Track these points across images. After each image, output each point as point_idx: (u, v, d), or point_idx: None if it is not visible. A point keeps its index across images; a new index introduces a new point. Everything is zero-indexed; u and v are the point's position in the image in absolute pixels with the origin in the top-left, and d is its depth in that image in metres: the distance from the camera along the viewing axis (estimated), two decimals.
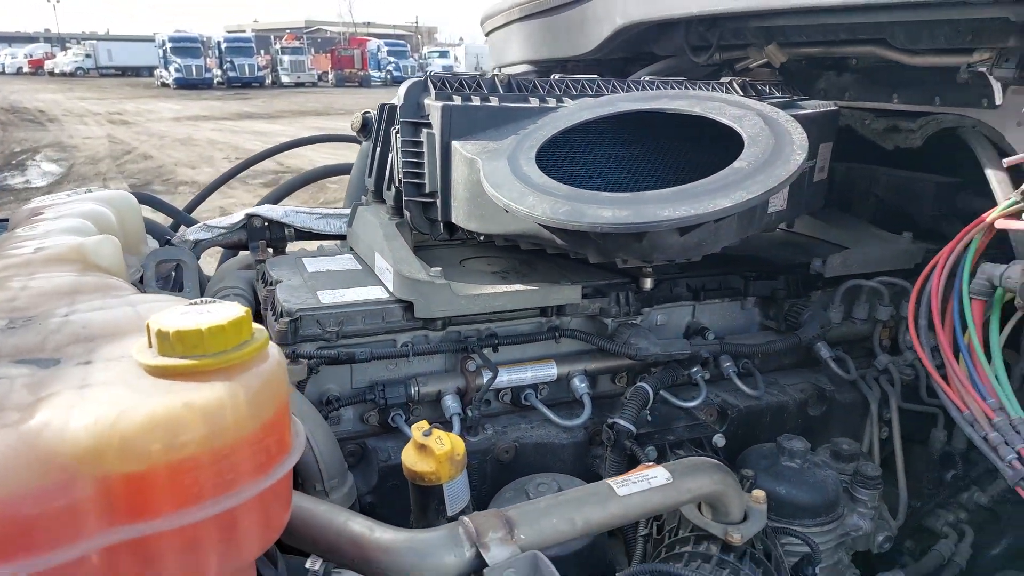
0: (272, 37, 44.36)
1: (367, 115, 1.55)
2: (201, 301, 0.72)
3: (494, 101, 1.26)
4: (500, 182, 1.09)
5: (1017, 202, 1.19)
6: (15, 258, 0.99)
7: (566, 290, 1.29)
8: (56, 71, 43.47)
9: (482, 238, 1.30)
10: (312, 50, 41.87)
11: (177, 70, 32.56)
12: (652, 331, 1.41)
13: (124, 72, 44.79)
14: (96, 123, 16.34)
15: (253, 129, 15.45)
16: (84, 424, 0.58)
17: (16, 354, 0.71)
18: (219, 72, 35.10)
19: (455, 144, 1.21)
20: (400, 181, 1.30)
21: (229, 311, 0.68)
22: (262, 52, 38.86)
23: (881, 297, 1.54)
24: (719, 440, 1.32)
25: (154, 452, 0.59)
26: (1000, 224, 1.16)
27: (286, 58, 37.21)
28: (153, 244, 1.48)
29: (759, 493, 1.09)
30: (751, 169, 1.01)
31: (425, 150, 1.25)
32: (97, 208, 1.27)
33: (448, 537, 0.84)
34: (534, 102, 1.30)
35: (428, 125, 1.25)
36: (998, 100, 1.20)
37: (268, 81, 36.01)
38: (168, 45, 34.10)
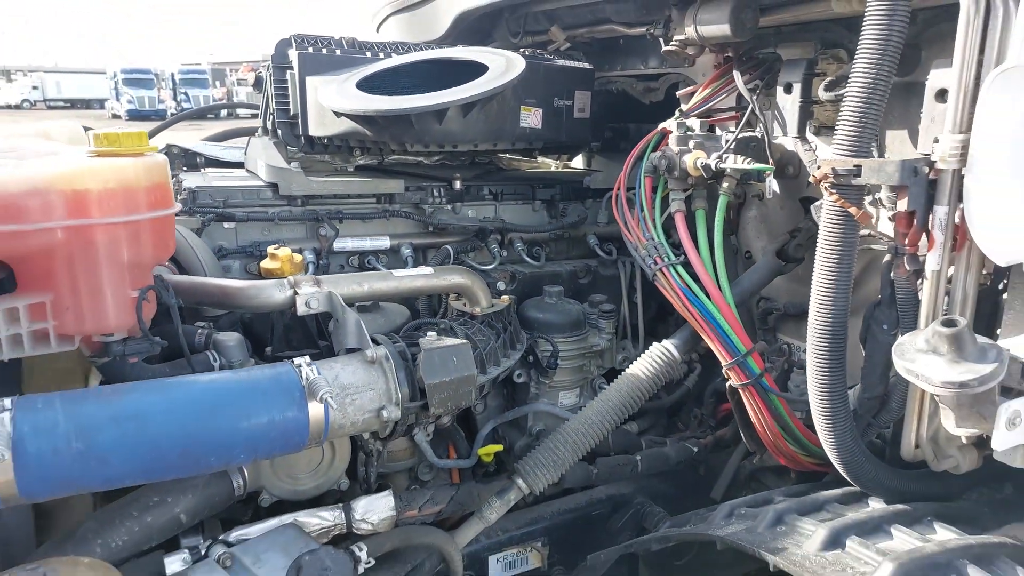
0: (228, 70, 44.65)
1: (259, 73, 2.12)
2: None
3: (338, 52, 1.85)
4: (328, 96, 1.67)
5: (678, 116, 1.81)
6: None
7: (392, 182, 1.88)
8: (0, 103, 42.88)
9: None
10: None
11: (129, 101, 32.66)
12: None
13: (73, 104, 44.40)
14: None
15: None
16: (54, 167, 1.13)
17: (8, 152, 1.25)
18: (173, 104, 35.28)
19: (308, 79, 1.79)
20: (274, 110, 1.87)
21: (137, 130, 1.24)
22: (217, 84, 39.17)
23: None
24: (501, 284, 1.90)
25: (90, 183, 1.14)
26: (662, 126, 1.79)
27: (242, 89, 37.55)
28: None
29: (506, 297, 1.68)
30: (481, 83, 1.61)
31: (289, 85, 1.82)
32: (51, 123, 1.81)
33: (276, 284, 1.40)
34: (368, 55, 1.89)
35: (292, 68, 1.83)
36: (663, 49, 1.82)
37: (224, 112, 36.31)
38: (120, 77, 34.24)
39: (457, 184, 1.97)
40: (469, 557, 1.70)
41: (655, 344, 1.65)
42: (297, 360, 1.28)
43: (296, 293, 1.38)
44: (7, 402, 1.07)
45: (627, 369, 1.63)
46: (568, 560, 1.81)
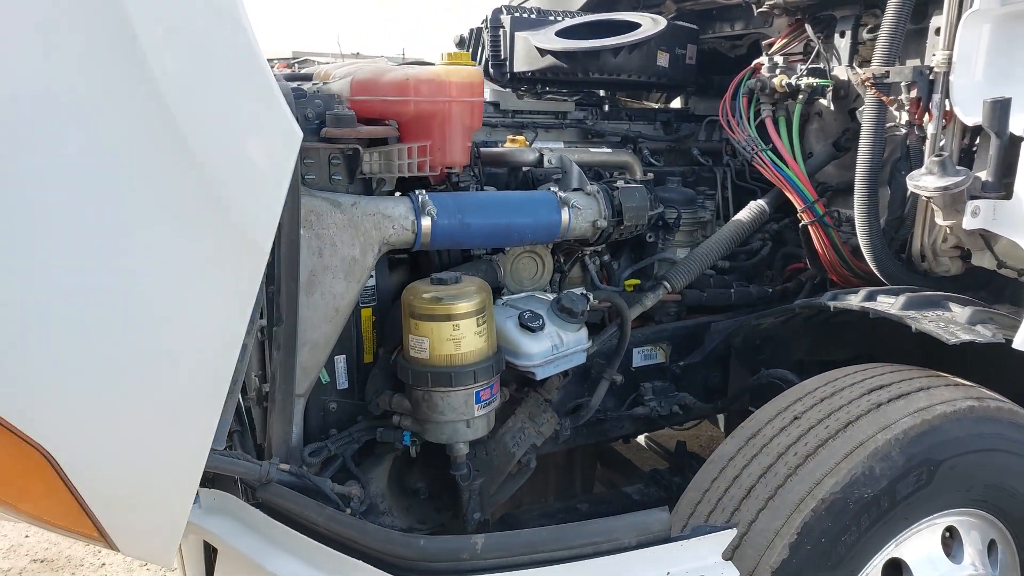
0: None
1: (462, 35, 3.04)
2: None
3: (534, 16, 2.76)
4: (539, 40, 2.58)
5: (770, 55, 2.68)
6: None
7: (566, 104, 2.78)
8: None
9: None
10: None
11: None
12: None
13: None
14: None
15: None
16: (435, 69, 2.04)
17: (403, 64, 2.17)
18: None
19: (517, 33, 2.70)
20: (489, 57, 2.79)
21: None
22: None
23: None
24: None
25: (451, 77, 2.04)
26: (755, 63, 2.66)
27: None
28: None
29: (650, 174, 2.57)
30: (642, 31, 2.51)
31: (501, 37, 2.73)
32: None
33: (529, 149, 2.30)
34: (551, 18, 2.80)
35: (503, 27, 2.74)
36: (758, 10, 2.68)
37: None
38: None
39: (606, 107, 2.87)
40: None
41: (752, 201, 2.53)
42: (552, 187, 2.18)
43: (540, 154, 2.29)
44: (424, 192, 1.98)
45: (733, 216, 2.52)
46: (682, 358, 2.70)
